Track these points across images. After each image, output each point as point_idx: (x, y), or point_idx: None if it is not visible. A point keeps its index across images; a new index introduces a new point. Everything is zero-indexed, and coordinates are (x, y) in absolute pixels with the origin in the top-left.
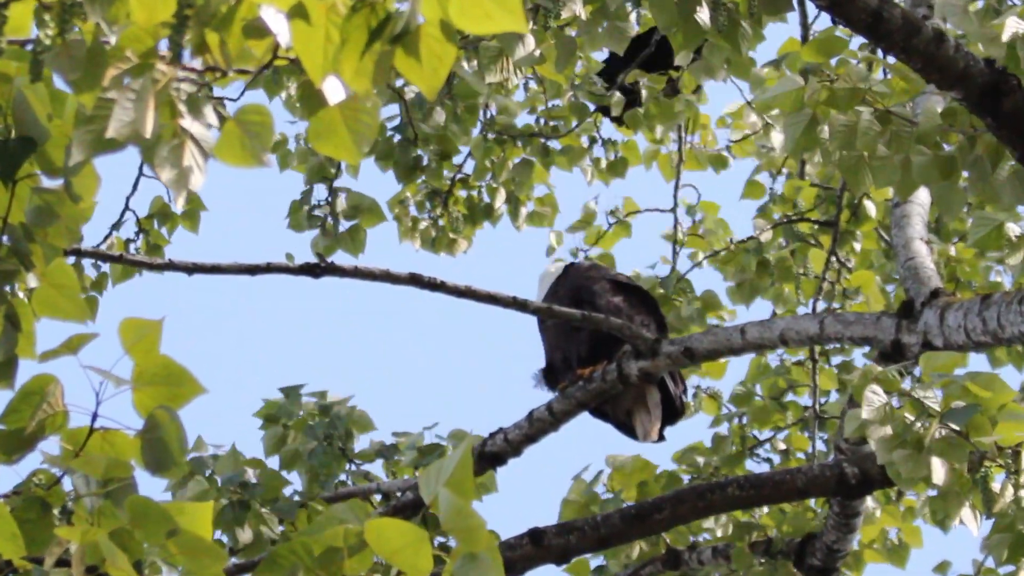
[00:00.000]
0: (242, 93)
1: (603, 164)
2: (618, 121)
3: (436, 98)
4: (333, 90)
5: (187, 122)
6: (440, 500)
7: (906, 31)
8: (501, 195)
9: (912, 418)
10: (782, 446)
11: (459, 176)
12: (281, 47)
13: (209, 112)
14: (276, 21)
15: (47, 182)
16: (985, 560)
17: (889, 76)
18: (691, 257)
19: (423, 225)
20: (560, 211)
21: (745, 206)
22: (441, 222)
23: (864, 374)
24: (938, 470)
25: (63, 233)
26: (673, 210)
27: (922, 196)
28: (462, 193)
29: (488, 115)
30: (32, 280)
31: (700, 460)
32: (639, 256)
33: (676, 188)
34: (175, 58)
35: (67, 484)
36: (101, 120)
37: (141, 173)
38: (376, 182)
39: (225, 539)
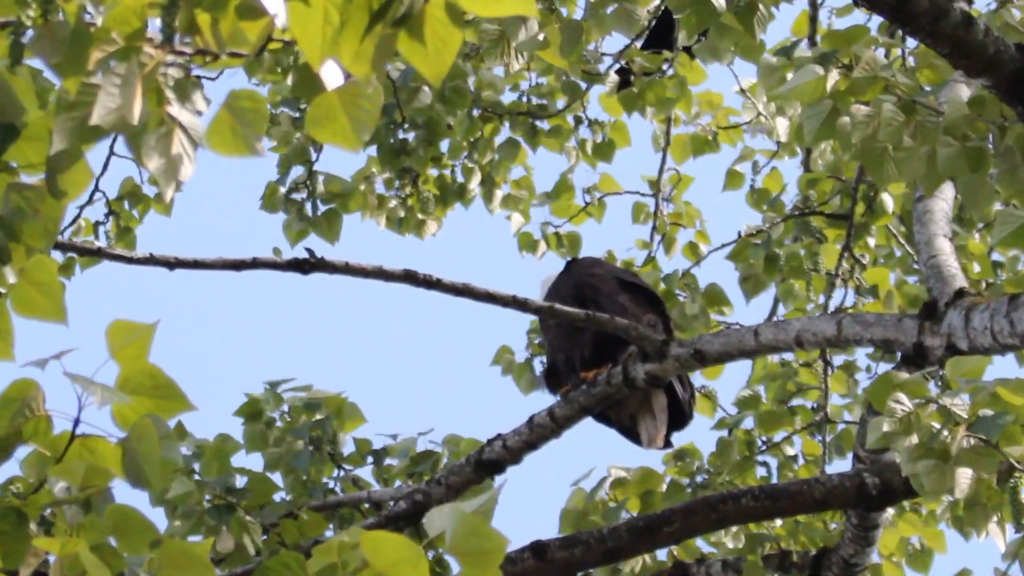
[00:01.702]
0: (220, 73)
1: (589, 147)
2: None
3: (421, 79)
4: (331, 75)
5: (175, 109)
6: (447, 519)
7: (933, 14)
8: (476, 176)
9: (938, 426)
10: (790, 451)
11: (432, 154)
12: (276, 29)
13: (198, 98)
14: (272, 1)
15: (26, 178)
16: (1009, 568)
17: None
18: (666, 244)
19: (391, 204)
20: (537, 195)
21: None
22: (410, 202)
23: (884, 380)
24: (964, 481)
25: (40, 233)
26: (655, 195)
27: (946, 190)
28: (433, 172)
29: (471, 91)
30: (10, 276)
31: (695, 464)
32: (615, 241)
33: (660, 172)
34: (166, 40)
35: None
36: (84, 107)
37: (112, 152)
38: (347, 161)
39: None
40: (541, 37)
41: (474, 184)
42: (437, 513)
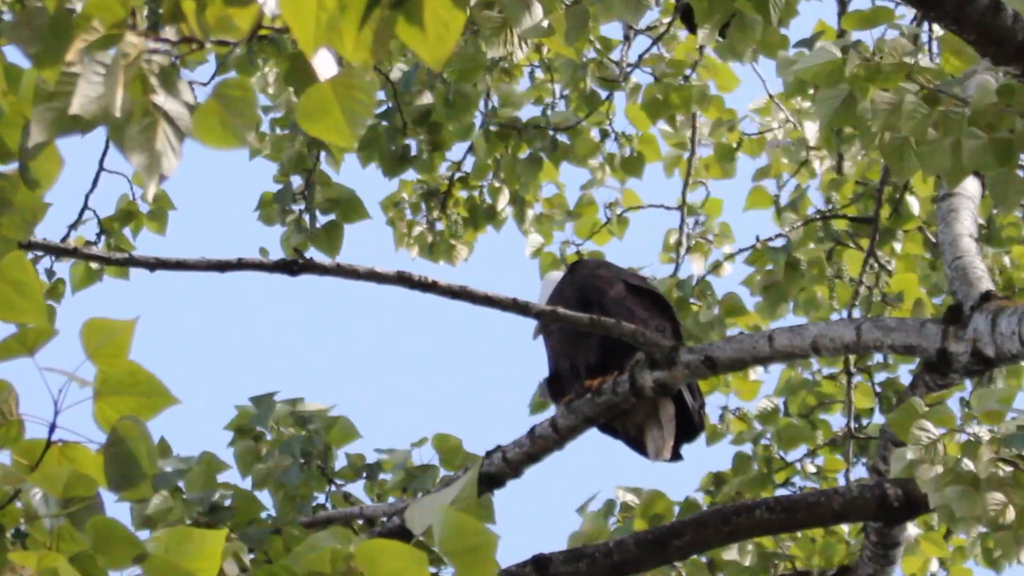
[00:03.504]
0: (213, 76)
1: (616, 161)
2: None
3: (425, 81)
4: (324, 64)
5: (160, 99)
6: (435, 520)
7: None
8: (504, 195)
9: (962, 456)
10: (812, 468)
11: (458, 175)
12: (266, 16)
13: (184, 88)
14: None
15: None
16: None
17: (937, 55)
18: (692, 257)
19: (418, 230)
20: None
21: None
22: (439, 225)
23: (906, 409)
24: (994, 506)
25: (18, 224)
26: (681, 208)
27: (971, 188)
28: (462, 194)
29: (490, 106)
30: None
31: (724, 488)
32: (640, 258)
33: (685, 185)
34: (152, 26)
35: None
36: (64, 96)
37: (101, 168)
38: (360, 180)
39: None
40: (545, 24)
41: (502, 204)
42: (418, 508)
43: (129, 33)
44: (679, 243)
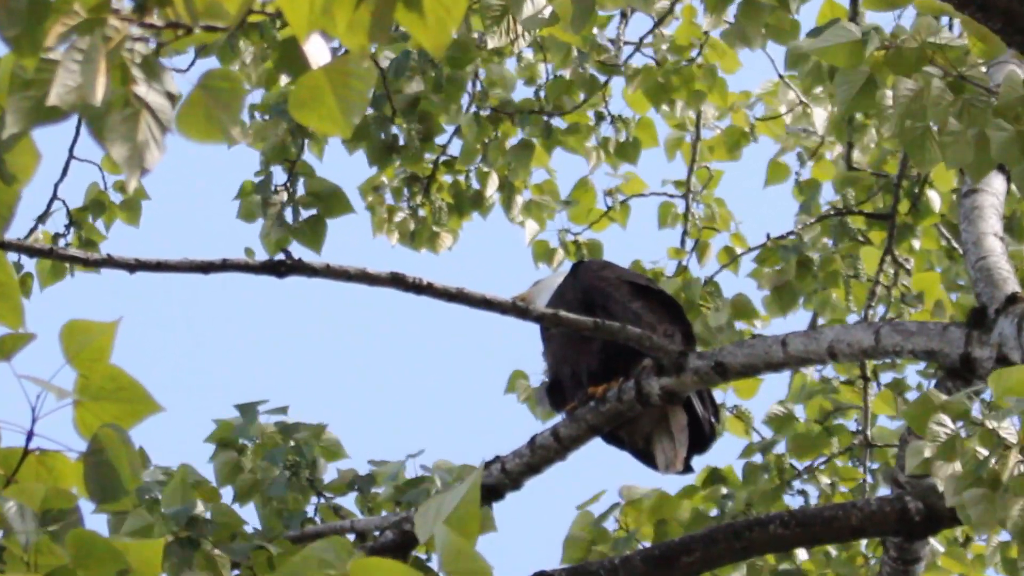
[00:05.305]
0: (192, 63)
1: (611, 145)
2: None
3: (416, 67)
4: (317, 50)
5: (142, 89)
6: (437, 538)
7: None
8: (493, 181)
9: (986, 452)
10: (826, 479)
11: (443, 158)
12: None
13: (168, 78)
14: None
15: None
16: None
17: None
18: (699, 250)
19: (400, 216)
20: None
21: (776, 198)
22: (422, 212)
23: (923, 401)
24: (1016, 512)
25: None
26: (686, 196)
27: (996, 184)
28: (447, 178)
29: (478, 87)
30: None
31: (724, 490)
32: (640, 249)
33: (691, 171)
34: (137, 9)
35: None
36: (42, 84)
37: (72, 155)
38: (345, 168)
39: None
40: (548, 12)
41: (491, 190)
42: (423, 514)
43: (112, 17)
44: (683, 232)
